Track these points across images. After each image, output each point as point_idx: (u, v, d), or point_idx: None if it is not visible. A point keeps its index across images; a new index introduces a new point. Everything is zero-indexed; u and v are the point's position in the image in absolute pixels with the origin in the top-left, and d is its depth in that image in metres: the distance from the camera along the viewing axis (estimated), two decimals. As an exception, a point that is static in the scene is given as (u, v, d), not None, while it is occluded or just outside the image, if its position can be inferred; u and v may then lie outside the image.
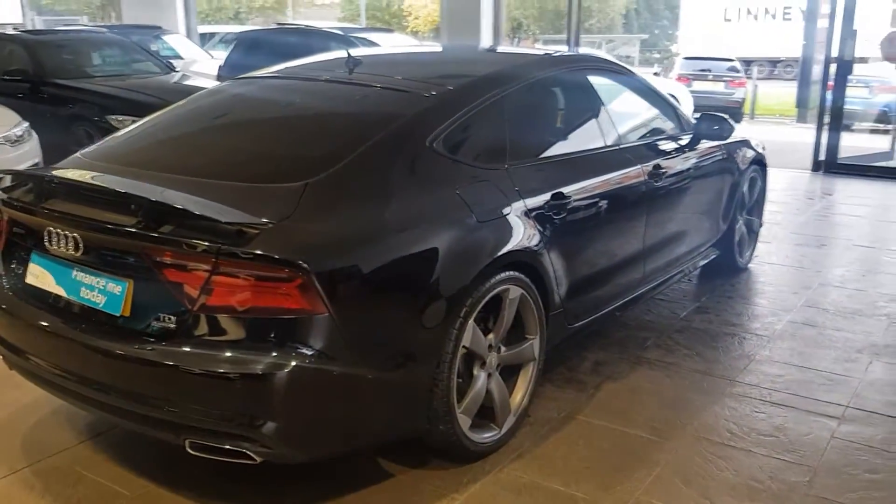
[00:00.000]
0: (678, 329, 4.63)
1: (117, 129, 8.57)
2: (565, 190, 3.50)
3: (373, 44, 10.71)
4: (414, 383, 2.81)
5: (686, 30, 34.56)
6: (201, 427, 2.55)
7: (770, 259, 6.07)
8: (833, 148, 9.70)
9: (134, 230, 2.57)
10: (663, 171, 4.24)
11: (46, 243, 2.80)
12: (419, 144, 3.03)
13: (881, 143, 11.48)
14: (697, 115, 4.84)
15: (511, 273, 3.14)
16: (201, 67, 12.05)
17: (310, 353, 2.49)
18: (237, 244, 2.44)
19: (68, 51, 9.83)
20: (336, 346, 2.54)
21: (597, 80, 4.14)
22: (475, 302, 2.95)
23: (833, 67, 9.66)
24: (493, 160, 3.28)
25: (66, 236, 2.72)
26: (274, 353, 2.47)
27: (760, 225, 5.87)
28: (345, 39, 10.81)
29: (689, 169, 4.57)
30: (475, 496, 2.95)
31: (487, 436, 3.18)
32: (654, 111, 4.63)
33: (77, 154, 3.38)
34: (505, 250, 3.09)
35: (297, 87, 3.75)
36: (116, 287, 2.66)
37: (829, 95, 9.69)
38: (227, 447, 2.55)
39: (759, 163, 5.55)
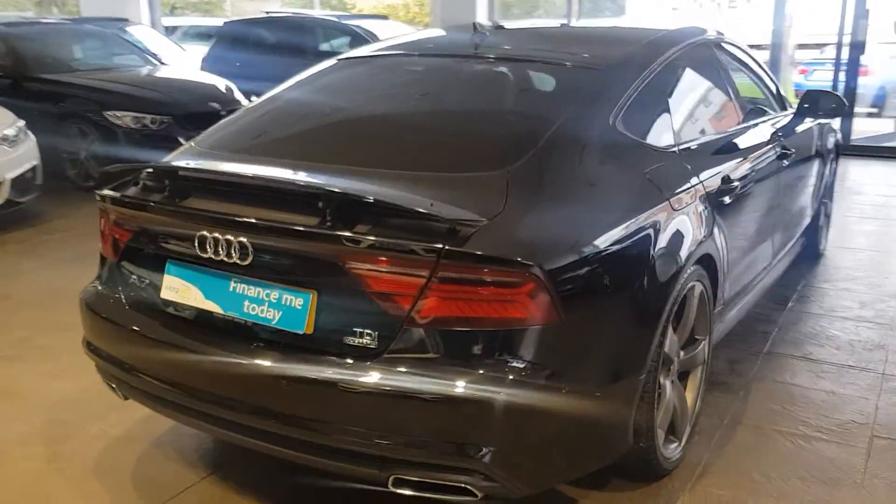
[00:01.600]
0: (792, 320, 4.36)
1: (118, 127, 8.23)
2: (731, 173, 3.19)
3: (369, 32, 10.26)
4: (627, 398, 2.46)
5: (631, 19, 34.63)
6: (411, 460, 2.15)
7: (840, 243, 5.87)
8: (846, 132, 9.62)
9: (326, 232, 2.15)
10: (789, 151, 3.96)
11: (195, 250, 2.35)
12: (604, 122, 2.67)
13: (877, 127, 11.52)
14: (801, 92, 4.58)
15: (697, 267, 2.81)
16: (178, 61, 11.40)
17: (538, 368, 2.12)
18: (459, 245, 2.05)
19: (49, 43, 9.08)
20: (564, 359, 2.18)
21: (721, 56, 3.83)
22: (674, 301, 2.61)
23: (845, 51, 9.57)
24: (665, 140, 2.94)
25: (226, 242, 2.28)
26: (500, 371, 2.09)
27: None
28: (342, 28, 10.34)
29: (800, 149, 4.31)
30: (687, 520, 2.62)
31: (672, 448, 2.85)
32: (767, 87, 4.35)
33: (190, 143, 2.92)
34: (698, 242, 2.76)
35: (437, 65, 3.34)
36: (297, 300, 2.24)
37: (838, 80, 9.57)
38: (443, 482, 2.16)
39: (837, 145, 5.34)
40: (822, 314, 4.45)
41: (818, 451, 3.03)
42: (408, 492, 2.20)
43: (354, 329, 2.17)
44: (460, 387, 2.07)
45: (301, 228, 2.18)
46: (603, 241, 2.31)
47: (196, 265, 2.42)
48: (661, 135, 2.94)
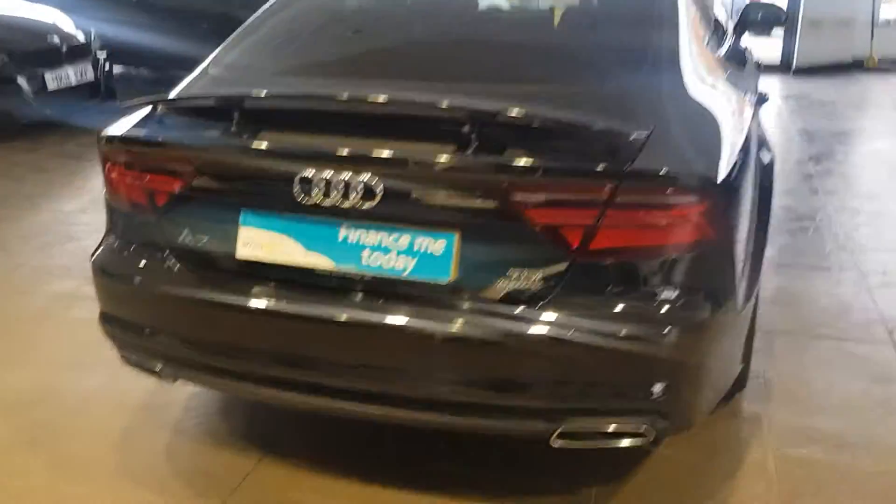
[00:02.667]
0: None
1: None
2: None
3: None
4: (751, 316, 2.39)
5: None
6: (583, 408, 1.96)
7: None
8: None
9: (486, 161, 1.87)
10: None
11: (291, 195, 1.97)
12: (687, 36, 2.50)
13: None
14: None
15: None
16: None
17: (704, 292, 1.97)
18: (638, 164, 1.84)
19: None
20: (720, 281, 2.04)
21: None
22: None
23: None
24: (716, 50, 2.84)
25: (343, 182, 1.92)
26: (675, 300, 1.92)
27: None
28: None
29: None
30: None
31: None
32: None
33: (204, 71, 2.47)
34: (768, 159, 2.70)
35: None
36: (436, 244, 1.93)
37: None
38: (613, 429, 1.98)
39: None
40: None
41: (860, 352, 3.14)
42: (568, 445, 2.00)
43: (510, 272, 1.91)
44: (638, 322, 1.89)
45: (448, 158, 1.87)
46: (737, 151, 2.16)
47: (289, 213, 2.03)
48: (712, 45, 2.84)
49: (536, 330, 1.89)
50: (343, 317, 1.98)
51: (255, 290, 2.07)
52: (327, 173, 1.93)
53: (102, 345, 2.42)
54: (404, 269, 1.95)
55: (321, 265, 2.02)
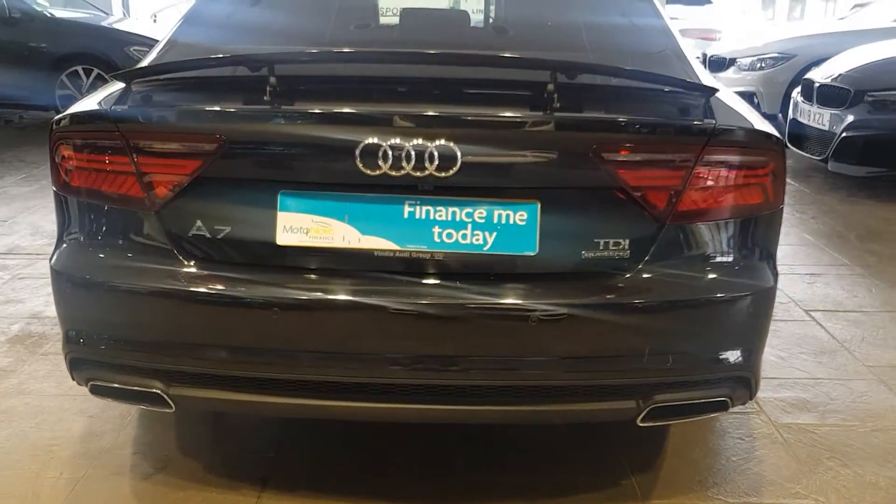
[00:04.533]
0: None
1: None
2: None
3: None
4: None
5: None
6: (674, 381, 1.87)
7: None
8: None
9: (566, 119, 1.74)
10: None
11: (349, 170, 1.72)
12: None
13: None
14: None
15: None
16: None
17: (771, 254, 1.98)
18: (721, 123, 1.82)
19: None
20: (776, 240, 2.05)
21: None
22: None
23: None
24: None
25: (412, 150, 1.71)
26: (755, 262, 1.91)
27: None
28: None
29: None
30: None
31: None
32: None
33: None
34: None
35: None
36: (517, 215, 1.77)
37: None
38: (701, 400, 1.91)
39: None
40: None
41: (792, 330, 3.33)
42: (654, 423, 1.90)
43: (597, 240, 1.79)
44: (729, 285, 1.85)
45: (531, 118, 1.74)
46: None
47: (340, 192, 1.77)
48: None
49: (629, 300, 1.78)
50: (416, 302, 1.75)
51: (303, 280, 1.77)
52: (396, 140, 1.70)
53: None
54: (484, 244, 1.77)
55: (381, 247, 1.77)
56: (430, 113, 1.74)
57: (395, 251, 1.77)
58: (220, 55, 1.96)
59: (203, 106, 1.81)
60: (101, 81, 7.23)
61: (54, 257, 1.93)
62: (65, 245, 1.93)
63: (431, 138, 1.70)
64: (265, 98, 1.76)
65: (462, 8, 3.71)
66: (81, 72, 7.41)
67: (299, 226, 1.78)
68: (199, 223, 1.81)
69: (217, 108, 1.80)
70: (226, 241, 1.80)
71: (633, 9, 2.40)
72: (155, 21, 10.90)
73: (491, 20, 3.15)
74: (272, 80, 1.76)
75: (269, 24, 2.38)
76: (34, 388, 2.72)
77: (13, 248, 4.18)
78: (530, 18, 2.53)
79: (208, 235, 1.81)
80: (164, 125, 1.81)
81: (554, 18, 2.47)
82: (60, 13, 8.24)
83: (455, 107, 1.78)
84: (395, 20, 2.93)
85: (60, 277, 1.91)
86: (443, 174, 1.71)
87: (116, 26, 8.33)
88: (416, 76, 1.90)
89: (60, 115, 1.89)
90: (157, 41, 2.25)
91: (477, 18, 3.23)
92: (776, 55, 7.51)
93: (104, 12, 9.26)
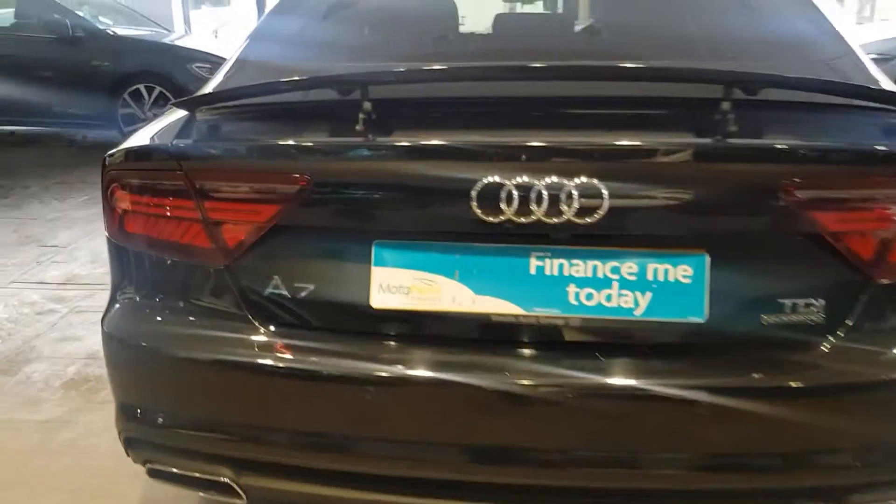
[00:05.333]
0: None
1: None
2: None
3: None
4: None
5: None
6: (873, 480, 1.45)
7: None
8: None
9: (741, 147, 1.36)
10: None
11: (465, 215, 1.35)
12: None
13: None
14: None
15: None
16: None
17: None
18: None
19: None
20: None
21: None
22: None
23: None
24: None
25: (545, 191, 1.33)
26: None
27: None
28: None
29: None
30: None
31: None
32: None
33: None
34: None
35: None
36: (680, 269, 1.37)
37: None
38: None
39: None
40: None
41: None
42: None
43: (783, 301, 1.38)
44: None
45: (697, 146, 1.35)
46: None
47: (451, 242, 1.41)
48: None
49: (827, 379, 1.37)
50: (544, 384, 1.37)
51: (403, 351, 1.42)
52: (524, 178, 1.33)
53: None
54: (634, 309, 1.38)
55: (501, 311, 1.40)
56: (568, 143, 1.37)
57: (518, 316, 1.40)
58: (301, 77, 1.61)
59: (282, 139, 1.47)
60: (163, 100, 7.07)
61: (107, 317, 1.61)
62: (118, 303, 1.61)
63: (569, 175, 1.33)
64: (357, 128, 1.41)
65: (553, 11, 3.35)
66: (144, 90, 7.26)
67: (398, 284, 1.42)
68: (276, 281, 1.46)
69: (299, 142, 1.45)
70: (308, 303, 1.46)
71: (787, 7, 1.99)
72: (216, 37, 10.80)
73: (593, 24, 2.76)
74: (365, 105, 1.41)
75: (343, 39, 2.04)
76: (89, 445, 2.44)
77: (72, 278, 3.95)
78: (645, 21, 2.13)
79: (288, 295, 1.46)
80: (236, 163, 1.47)
81: (672, 20, 2.08)
82: (123, 31, 8.14)
83: (598, 134, 1.41)
84: (479, 29, 2.58)
85: (112, 342, 1.59)
86: (583, 220, 1.33)
87: (178, 43, 8.19)
88: (543, 96, 1.53)
89: (114, 150, 1.57)
90: (220, 57, 1.93)
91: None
92: (875, 56, 6.94)
93: (166, 29, 9.14)
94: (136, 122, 6.76)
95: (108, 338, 1.59)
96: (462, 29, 2.50)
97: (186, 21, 11.59)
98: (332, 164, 1.42)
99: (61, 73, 7.25)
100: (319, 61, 1.86)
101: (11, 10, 7.57)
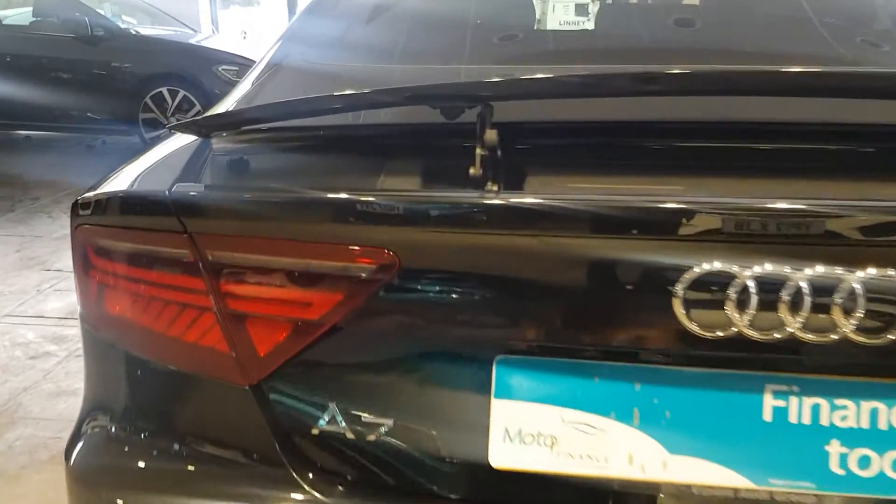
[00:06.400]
0: None
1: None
2: None
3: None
4: None
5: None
6: None
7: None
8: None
9: None
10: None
11: (652, 324, 0.79)
12: None
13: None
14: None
15: None
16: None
17: None
18: None
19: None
20: None
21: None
22: None
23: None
24: None
25: (780, 292, 0.77)
26: None
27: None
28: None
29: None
30: None
31: None
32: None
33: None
34: None
35: None
36: None
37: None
38: None
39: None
40: None
41: None
42: None
43: None
44: None
45: None
46: None
47: (628, 365, 0.84)
48: None
49: None
50: None
51: None
52: (769, 268, 0.77)
53: None
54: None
55: (712, 483, 0.83)
56: (849, 205, 0.79)
57: (744, 492, 0.83)
58: (368, 87, 1.01)
59: (351, 188, 0.90)
60: (187, 105, 6.58)
61: (74, 451, 1.06)
62: (92, 427, 1.06)
63: (853, 262, 0.77)
64: (473, 173, 0.85)
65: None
66: (167, 94, 6.77)
67: (536, 430, 0.85)
68: (332, 412, 0.91)
69: (380, 195, 0.88)
70: (384, 451, 0.90)
71: None
72: (245, 37, 10.31)
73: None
74: (487, 136, 0.85)
75: (396, 44, 1.46)
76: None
77: (74, 311, 3.40)
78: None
79: (350, 437, 0.90)
80: (273, 224, 0.91)
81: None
82: (146, 31, 7.67)
83: (879, 189, 0.84)
84: (563, 27, 2.01)
85: (80, 487, 1.04)
86: (872, 339, 0.77)
87: (204, 44, 7.69)
88: (770, 121, 0.95)
89: (89, 194, 1.02)
90: (250, 59, 1.38)
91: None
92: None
93: (192, 29, 8.66)
94: (158, 128, 6.32)
95: (75, 480, 1.04)
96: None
97: (214, 21, 11.12)
98: (435, 231, 0.86)
99: (80, 74, 6.80)
100: (379, 64, 1.31)
101: (30, 9, 7.13)
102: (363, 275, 0.85)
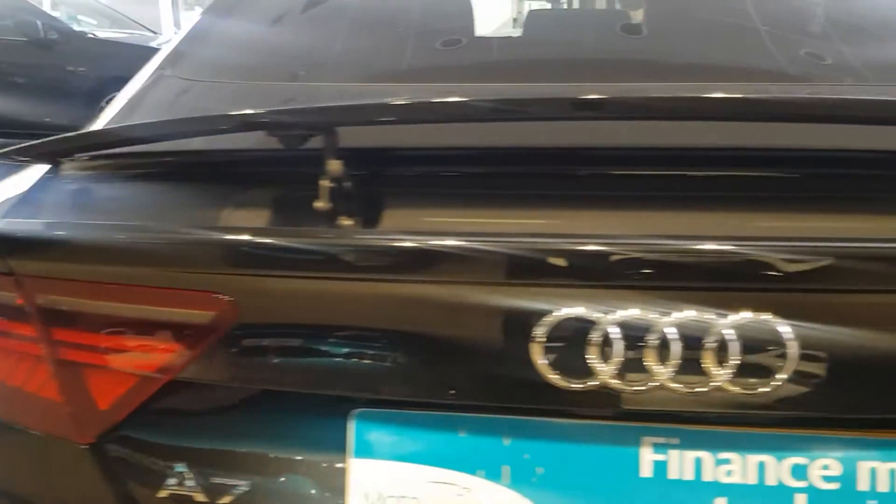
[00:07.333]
0: None
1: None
2: None
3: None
4: None
5: None
6: None
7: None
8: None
9: None
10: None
11: (517, 376, 0.72)
12: None
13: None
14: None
15: None
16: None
17: None
18: None
19: None
20: None
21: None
22: None
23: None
24: None
25: (651, 338, 0.71)
26: None
27: None
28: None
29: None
30: None
31: None
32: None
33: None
34: None
35: None
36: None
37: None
38: None
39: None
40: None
41: None
42: None
43: None
44: None
45: None
46: None
47: (495, 419, 0.77)
48: None
49: None
50: None
51: None
52: (634, 313, 0.71)
53: None
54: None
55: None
56: (724, 244, 0.72)
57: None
58: (245, 111, 0.91)
59: (193, 228, 0.81)
60: (143, 109, 6.46)
61: None
62: None
63: (726, 305, 0.70)
64: (320, 207, 0.77)
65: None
66: (122, 99, 6.63)
67: (399, 491, 0.78)
68: (181, 473, 0.82)
69: (222, 236, 0.80)
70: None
71: None
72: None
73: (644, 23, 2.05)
74: (330, 164, 0.77)
75: (311, 54, 1.34)
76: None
77: None
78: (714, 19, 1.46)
79: (202, 501, 0.82)
80: (111, 268, 0.82)
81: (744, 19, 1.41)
82: (103, 34, 7.50)
83: (775, 222, 0.77)
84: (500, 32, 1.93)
85: None
86: (750, 390, 0.71)
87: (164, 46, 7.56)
88: (656, 146, 0.87)
89: None
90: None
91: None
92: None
93: (153, 31, 8.50)
94: (114, 134, 6.17)
95: None
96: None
97: (177, 24, 10.94)
98: (274, 276, 0.77)
99: (32, 79, 6.63)
100: (279, 79, 1.22)
101: (-22, 12, 6.95)
102: (201, 322, 0.77)
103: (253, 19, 1.42)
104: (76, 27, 7.26)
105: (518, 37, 1.71)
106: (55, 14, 7.15)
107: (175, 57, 1.26)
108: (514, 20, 1.76)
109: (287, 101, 1.07)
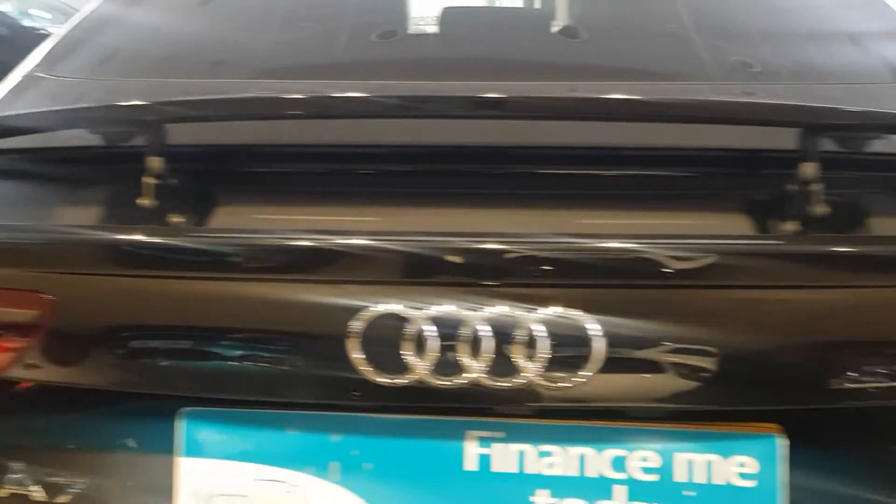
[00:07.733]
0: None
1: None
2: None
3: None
4: None
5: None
6: None
7: None
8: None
9: (863, 252, 0.73)
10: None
11: (340, 372, 0.73)
12: None
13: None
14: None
15: None
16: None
17: None
18: None
19: None
20: None
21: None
22: None
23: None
24: None
25: (461, 334, 0.72)
26: None
27: None
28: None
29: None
30: None
31: None
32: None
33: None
34: None
35: None
36: (734, 463, 0.75)
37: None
38: None
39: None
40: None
41: None
42: None
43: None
44: None
45: (777, 251, 0.74)
46: None
47: (320, 416, 0.78)
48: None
49: None
50: None
51: None
52: (447, 308, 0.72)
53: None
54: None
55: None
56: (533, 237, 0.73)
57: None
58: (104, 103, 0.92)
59: (15, 226, 0.80)
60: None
61: None
62: None
63: (534, 301, 0.71)
64: (142, 202, 0.77)
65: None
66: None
67: (229, 490, 0.78)
68: (19, 472, 0.82)
69: (36, 233, 0.80)
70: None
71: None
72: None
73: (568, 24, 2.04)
74: (151, 161, 0.77)
75: (224, 41, 1.32)
76: None
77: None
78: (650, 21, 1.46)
79: (39, 500, 0.82)
80: None
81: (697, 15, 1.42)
82: (57, 29, 7.39)
83: (588, 218, 0.79)
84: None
85: None
86: (560, 383, 0.72)
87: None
88: (490, 144, 0.88)
89: None
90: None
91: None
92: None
93: (109, 27, 8.38)
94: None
95: None
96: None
97: (134, 18, 10.80)
98: (95, 273, 0.77)
99: (-21, 75, 6.52)
100: (157, 76, 1.20)
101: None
102: (23, 321, 0.77)
103: (144, 14, 1.41)
104: (27, 22, 7.13)
105: (423, 34, 1.71)
106: (4, 9, 7.00)
107: (53, 54, 1.25)
108: (421, 18, 1.73)
109: (151, 97, 1.06)
